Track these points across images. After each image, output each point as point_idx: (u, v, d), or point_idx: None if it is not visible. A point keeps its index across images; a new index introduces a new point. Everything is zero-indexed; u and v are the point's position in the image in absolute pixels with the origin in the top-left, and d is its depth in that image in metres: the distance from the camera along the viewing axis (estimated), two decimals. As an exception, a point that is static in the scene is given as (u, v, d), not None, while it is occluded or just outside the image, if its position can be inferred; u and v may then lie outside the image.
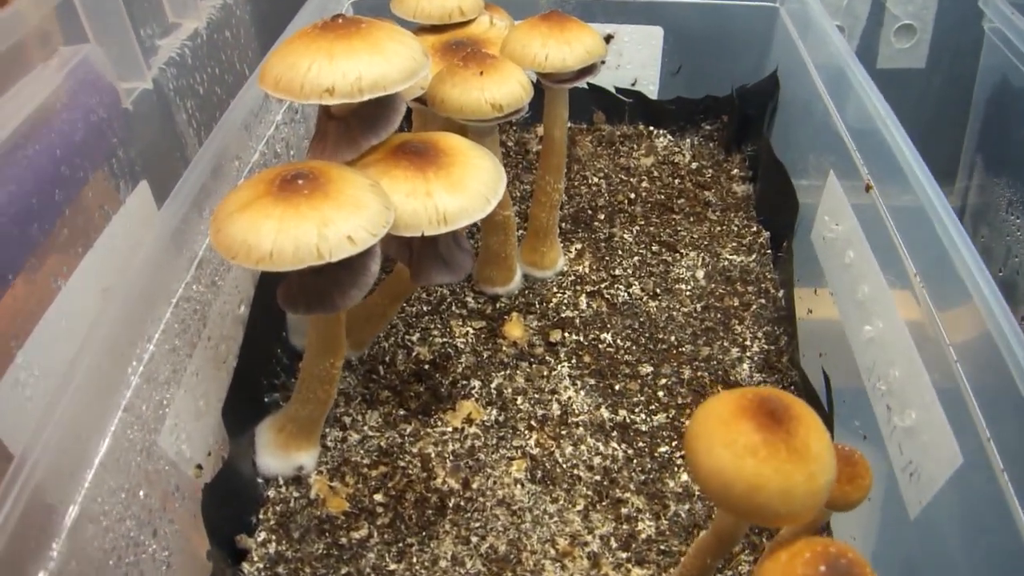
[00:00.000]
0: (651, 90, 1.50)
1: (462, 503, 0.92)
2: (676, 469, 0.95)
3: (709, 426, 0.57)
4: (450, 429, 0.99)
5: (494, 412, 1.01)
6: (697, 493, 0.93)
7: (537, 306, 1.15)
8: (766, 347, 1.10)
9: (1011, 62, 1.30)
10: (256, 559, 0.88)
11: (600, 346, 1.09)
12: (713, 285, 1.19)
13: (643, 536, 0.89)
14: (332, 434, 0.99)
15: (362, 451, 0.97)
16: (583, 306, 1.15)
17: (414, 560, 0.87)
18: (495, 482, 0.94)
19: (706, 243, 1.27)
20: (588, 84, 1.42)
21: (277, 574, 0.86)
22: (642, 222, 1.30)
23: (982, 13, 1.37)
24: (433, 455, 0.96)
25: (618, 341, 1.10)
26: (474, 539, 0.89)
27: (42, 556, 0.63)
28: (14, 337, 0.85)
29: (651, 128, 1.51)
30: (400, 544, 0.88)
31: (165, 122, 1.19)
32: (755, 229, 1.29)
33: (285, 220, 0.70)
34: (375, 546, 0.88)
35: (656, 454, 0.97)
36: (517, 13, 1.12)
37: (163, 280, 0.83)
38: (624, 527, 0.90)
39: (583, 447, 0.97)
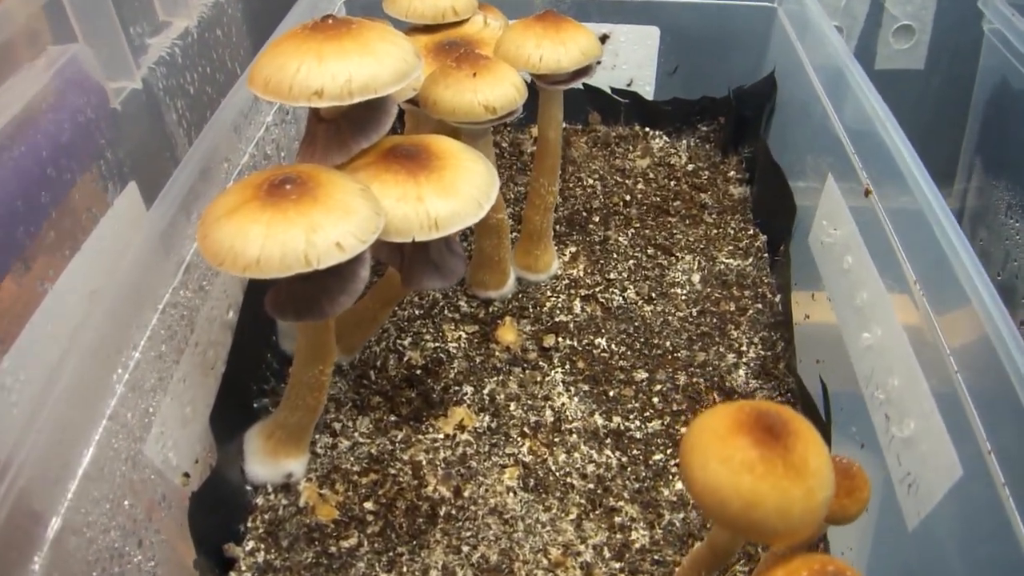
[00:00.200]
0: (647, 91, 1.49)
1: (453, 511, 0.91)
2: (671, 477, 0.94)
3: (705, 441, 0.55)
4: (442, 436, 0.98)
5: (486, 418, 1.00)
6: (692, 502, 0.91)
7: (531, 310, 1.13)
8: (762, 353, 1.08)
9: (1011, 63, 1.28)
10: (244, 568, 0.86)
11: (594, 351, 1.08)
12: (709, 289, 1.18)
13: (637, 546, 0.88)
14: (322, 440, 0.97)
15: (352, 458, 0.96)
16: (577, 310, 1.14)
17: (404, 570, 0.86)
18: (487, 490, 0.93)
19: (702, 246, 1.25)
20: (584, 84, 1.41)
21: (265, 584, 0.85)
22: (637, 225, 1.29)
23: (981, 14, 1.36)
24: (424, 462, 0.95)
25: (612, 346, 1.09)
26: (465, 548, 0.87)
27: (24, 569, 0.62)
28: None
29: (647, 129, 1.50)
30: (390, 553, 0.87)
31: (154, 122, 1.17)
32: (752, 232, 1.28)
33: (273, 226, 0.69)
34: (365, 555, 0.87)
35: (651, 462, 0.96)
36: (512, 13, 1.11)
37: (149, 285, 0.82)
38: (618, 536, 0.89)
39: (576, 455, 0.96)
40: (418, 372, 1.05)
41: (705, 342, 1.10)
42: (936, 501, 0.72)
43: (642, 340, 1.10)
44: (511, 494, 0.92)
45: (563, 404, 1.01)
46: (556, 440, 0.97)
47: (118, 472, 0.73)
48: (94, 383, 0.73)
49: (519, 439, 0.98)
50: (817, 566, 0.53)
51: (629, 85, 1.48)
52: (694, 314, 1.14)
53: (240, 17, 1.42)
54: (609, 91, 1.48)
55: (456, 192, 0.80)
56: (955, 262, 0.77)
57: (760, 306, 1.15)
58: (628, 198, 1.34)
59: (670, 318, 1.13)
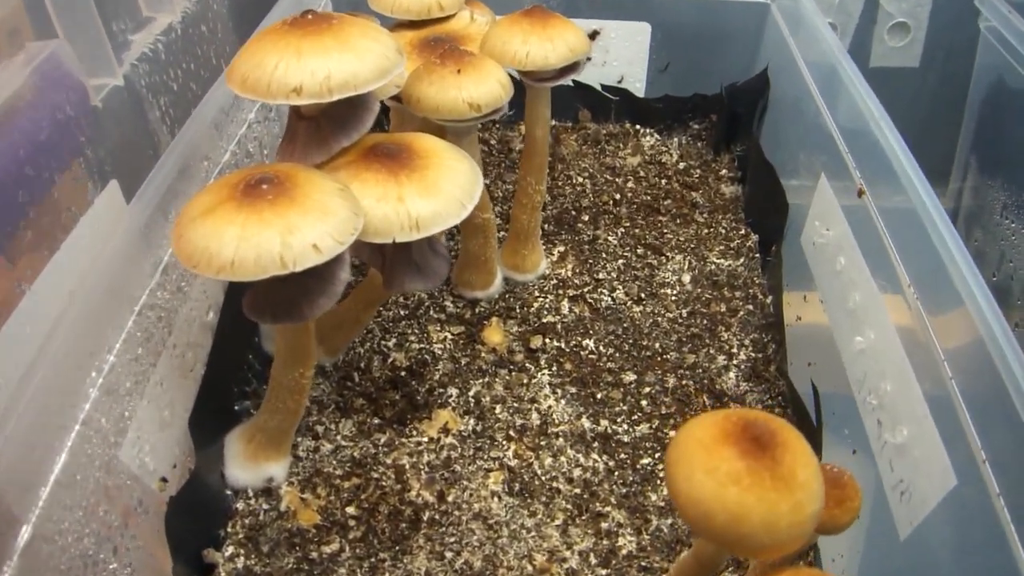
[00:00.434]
0: (638, 88, 1.47)
1: (437, 517, 0.89)
2: (659, 482, 0.92)
3: (690, 450, 0.54)
4: (426, 439, 0.96)
5: (471, 421, 0.98)
6: (680, 508, 0.90)
7: (518, 311, 1.12)
8: (753, 355, 1.07)
9: (1007, 62, 1.27)
10: (223, 574, 0.85)
11: (582, 353, 1.06)
12: (699, 290, 1.16)
13: (624, 552, 0.86)
14: (304, 444, 0.96)
15: (335, 461, 0.94)
16: (565, 311, 1.12)
17: (387, 576, 0.84)
18: (471, 495, 0.91)
19: (693, 246, 1.23)
20: (573, 81, 1.39)
21: (244, 591, 0.84)
22: (627, 224, 1.27)
23: (978, 11, 1.34)
24: (408, 466, 0.93)
25: (601, 348, 1.07)
26: (449, 554, 0.86)
27: (-8, 580, 0.60)
28: (-24, 344, 0.82)
29: (638, 127, 1.48)
30: (372, 559, 0.86)
31: (137, 120, 1.15)
32: (743, 232, 1.26)
33: (248, 227, 0.67)
34: (346, 561, 0.86)
35: (638, 466, 0.94)
36: (499, 8, 1.09)
37: (125, 287, 0.80)
38: (604, 542, 0.87)
39: (563, 458, 0.94)
40: (402, 374, 1.03)
41: (695, 344, 1.08)
42: (929, 510, 0.70)
43: (631, 342, 1.08)
44: (496, 499, 0.91)
45: (550, 407, 1.00)
46: (542, 444, 0.96)
47: (92, 478, 0.72)
48: (67, 388, 0.71)
49: (504, 443, 0.96)
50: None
51: (620, 82, 1.47)
52: (684, 315, 1.12)
53: (225, 13, 1.41)
54: (599, 88, 1.46)
55: (438, 192, 0.78)
56: (949, 263, 0.76)
57: (751, 307, 1.14)
58: (618, 197, 1.32)
59: (659, 319, 1.12)
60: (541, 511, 0.90)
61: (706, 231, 1.26)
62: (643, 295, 1.15)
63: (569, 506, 0.90)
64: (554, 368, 1.04)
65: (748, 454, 0.52)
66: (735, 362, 1.06)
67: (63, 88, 1.02)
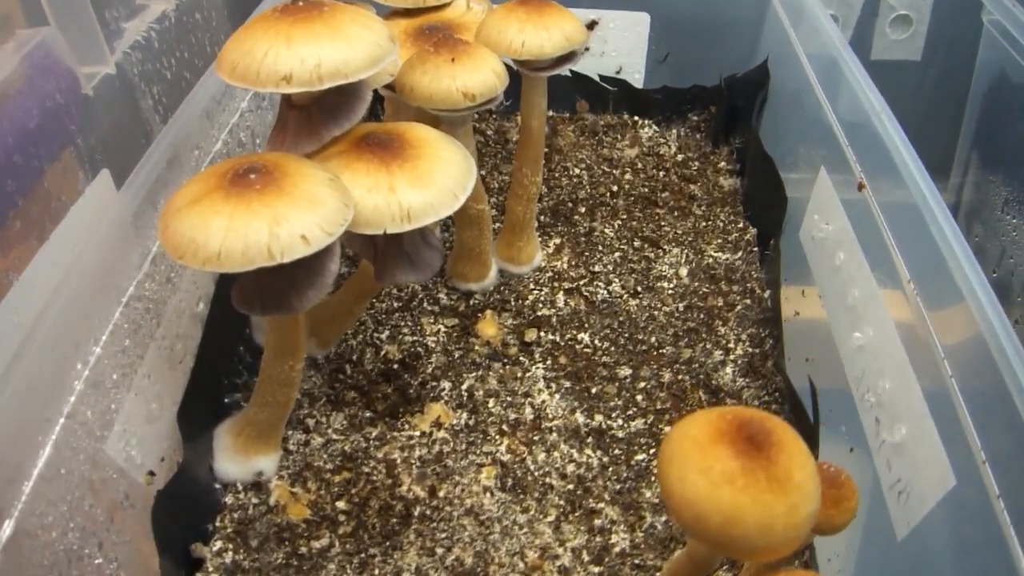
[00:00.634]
0: (636, 78, 1.46)
1: (428, 512, 0.88)
2: (653, 478, 0.91)
3: (684, 450, 0.52)
4: (418, 433, 0.95)
5: (464, 415, 0.97)
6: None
7: (512, 303, 1.10)
8: (750, 350, 1.05)
9: (1010, 56, 1.25)
10: (211, 569, 0.84)
11: (577, 346, 1.05)
12: (697, 284, 1.15)
13: (617, 549, 0.85)
14: (294, 437, 0.94)
15: (325, 455, 0.93)
16: (560, 304, 1.11)
17: (376, 572, 0.83)
18: (463, 490, 0.90)
19: (690, 239, 1.22)
20: (571, 71, 1.38)
21: (231, 587, 0.82)
22: (624, 216, 1.26)
23: (981, 5, 1.33)
24: (399, 461, 0.92)
25: (596, 341, 1.06)
26: (439, 550, 0.85)
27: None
28: (-37, 334, 0.81)
29: (636, 118, 1.46)
30: (362, 555, 0.85)
31: (129, 109, 1.14)
32: (741, 225, 1.25)
33: (235, 218, 0.66)
34: (336, 556, 0.85)
35: (632, 462, 0.93)
36: (496, -4, 1.08)
37: (112, 278, 0.79)
38: (597, 539, 0.86)
39: (556, 454, 0.93)
40: (395, 366, 1.02)
41: (691, 338, 1.07)
42: (928, 510, 0.69)
43: (626, 335, 1.07)
44: (488, 494, 0.90)
45: (543, 401, 0.98)
46: (535, 439, 0.95)
47: (77, 472, 0.71)
48: (51, 380, 0.70)
49: (497, 437, 0.95)
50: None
51: (618, 72, 1.45)
52: (681, 309, 1.11)
53: (220, 0, 1.39)
54: (597, 78, 1.44)
55: (431, 183, 0.77)
56: (950, 258, 0.75)
57: (749, 301, 1.12)
58: (615, 188, 1.31)
59: (656, 313, 1.10)
60: (534, 507, 0.88)
61: (704, 224, 1.25)
62: (639, 288, 1.14)
63: (562, 502, 0.89)
64: (548, 362, 1.03)
65: (743, 454, 0.50)
66: (732, 357, 1.05)
67: (53, 76, 1.01)
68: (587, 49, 1.09)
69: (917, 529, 0.71)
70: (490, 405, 0.98)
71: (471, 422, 0.96)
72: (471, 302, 1.11)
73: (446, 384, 1.00)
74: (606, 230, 1.23)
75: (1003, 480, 0.61)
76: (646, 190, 1.31)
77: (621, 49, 1.43)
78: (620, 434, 0.95)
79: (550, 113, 1.38)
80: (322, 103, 0.79)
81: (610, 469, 0.92)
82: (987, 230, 1.32)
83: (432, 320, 1.08)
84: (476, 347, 1.04)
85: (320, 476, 0.91)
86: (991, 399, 0.65)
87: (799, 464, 0.51)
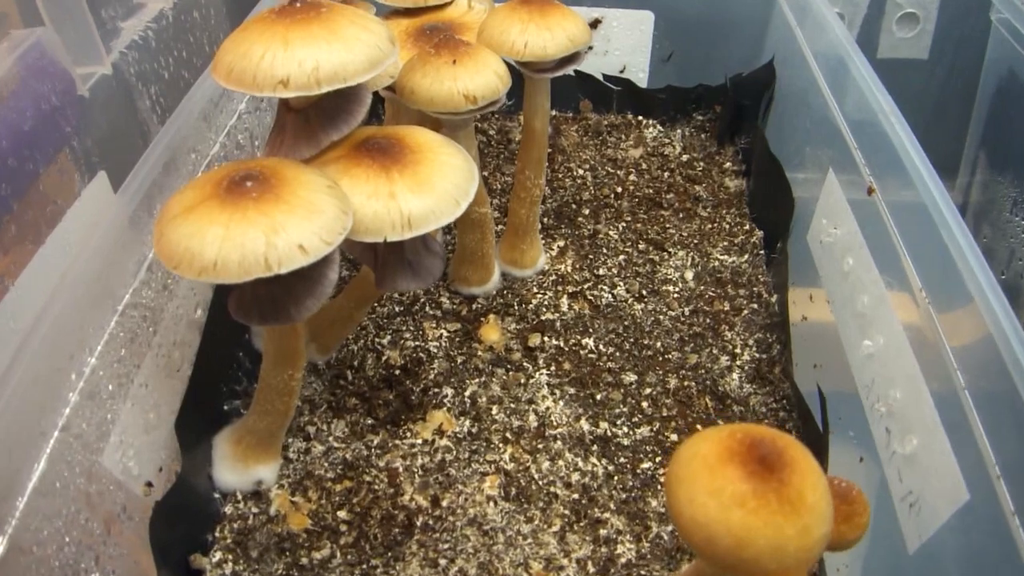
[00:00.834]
0: (640, 78, 1.44)
1: (430, 522, 0.87)
2: (659, 487, 0.90)
3: (693, 470, 0.51)
4: (420, 441, 0.93)
5: (467, 423, 0.95)
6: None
7: (515, 308, 1.09)
8: (757, 356, 1.04)
9: (1019, 54, 1.24)
10: (210, 580, 0.83)
11: (581, 352, 1.04)
12: (702, 287, 1.13)
13: (623, 560, 0.84)
14: (295, 445, 0.93)
15: (326, 464, 0.92)
16: (564, 308, 1.09)
17: (378, 584, 0.82)
18: (466, 499, 0.88)
19: (696, 242, 1.21)
20: (575, 71, 1.36)
21: (231, 599, 0.81)
22: (628, 218, 1.24)
23: (989, 3, 1.31)
24: (401, 469, 0.91)
25: (600, 347, 1.04)
26: (442, 561, 0.83)
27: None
28: (-42, 341, 0.80)
29: (640, 118, 1.45)
30: (364, 566, 0.83)
31: (126, 109, 1.13)
32: (748, 227, 1.23)
33: (231, 227, 0.64)
34: (337, 567, 0.83)
35: (638, 471, 0.91)
36: (498, -5, 1.06)
37: (107, 286, 0.77)
38: (603, 550, 0.85)
39: (561, 462, 0.92)
40: (397, 372, 1.00)
41: (697, 343, 1.06)
42: (940, 524, 0.68)
43: (632, 340, 1.05)
44: (491, 504, 0.88)
45: (548, 408, 0.97)
46: (540, 447, 0.93)
47: (73, 485, 0.70)
48: (45, 392, 0.69)
49: (501, 445, 0.93)
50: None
51: (622, 72, 1.44)
52: (686, 313, 1.10)
53: (219, -1, 1.38)
54: (601, 78, 1.43)
55: (431, 188, 0.75)
56: (959, 259, 0.74)
57: (755, 306, 1.11)
58: (619, 190, 1.29)
59: (661, 317, 1.09)
60: (538, 517, 0.87)
61: (709, 226, 1.24)
62: (644, 292, 1.12)
63: (567, 512, 0.88)
64: (552, 368, 1.02)
65: (754, 475, 0.49)
66: (738, 363, 1.03)
67: (48, 77, 0.99)
68: (591, 48, 1.07)
69: (929, 543, 0.69)
70: (493, 412, 0.96)
71: (474, 429, 0.95)
72: (474, 306, 1.09)
73: (448, 390, 0.99)
74: (610, 232, 1.21)
75: (1018, 495, 0.60)
76: (651, 191, 1.29)
77: (625, 48, 1.42)
78: (626, 442, 0.94)
79: (553, 113, 1.36)
80: (320, 107, 0.77)
81: (615, 478, 0.91)
82: (995, 231, 1.31)
83: (434, 325, 1.06)
84: (479, 352, 1.03)
85: (321, 485, 0.90)
86: (1002, 405, 0.64)
87: (811, 484, 0.50)
